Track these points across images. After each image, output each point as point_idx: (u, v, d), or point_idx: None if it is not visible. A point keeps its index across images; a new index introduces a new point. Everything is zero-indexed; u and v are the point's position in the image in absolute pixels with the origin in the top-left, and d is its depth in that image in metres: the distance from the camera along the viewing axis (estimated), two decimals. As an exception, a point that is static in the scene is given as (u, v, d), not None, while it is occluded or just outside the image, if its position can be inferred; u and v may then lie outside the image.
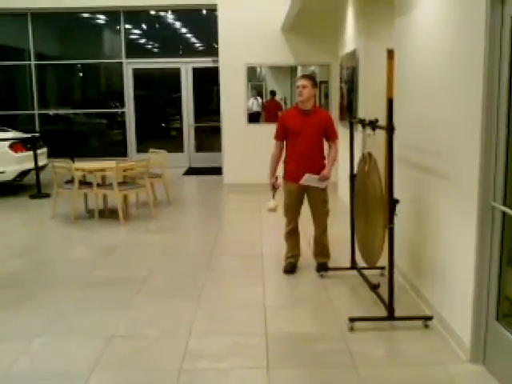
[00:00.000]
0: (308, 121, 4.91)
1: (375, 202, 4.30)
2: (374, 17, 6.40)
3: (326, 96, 9.70)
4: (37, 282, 5.10)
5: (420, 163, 4.36)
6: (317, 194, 5.04)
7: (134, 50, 12.56)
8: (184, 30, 13.11)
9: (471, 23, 3.30)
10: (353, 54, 7.31)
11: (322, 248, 5.21)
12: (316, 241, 5.22)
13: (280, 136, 5.05)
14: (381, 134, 4.33)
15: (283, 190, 5.14)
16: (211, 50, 11.76)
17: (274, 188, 5.08)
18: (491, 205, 3.20)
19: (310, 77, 5.24)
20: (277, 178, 5.08)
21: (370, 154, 4.44)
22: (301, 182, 4.92)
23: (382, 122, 4.24)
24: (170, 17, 12.76)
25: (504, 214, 3.13)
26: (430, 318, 3.96)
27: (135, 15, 12.44)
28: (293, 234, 5.21)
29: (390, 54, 6.10)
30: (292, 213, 5.12)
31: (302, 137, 4.89)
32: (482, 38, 3.14)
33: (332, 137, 5.03)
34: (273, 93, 9.98)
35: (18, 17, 12.22)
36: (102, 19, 12.90)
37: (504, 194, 3.12)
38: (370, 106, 6.51)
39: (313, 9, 8.36)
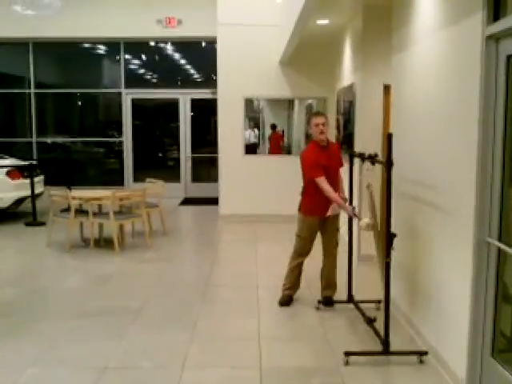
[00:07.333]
0: (330, 155, 4.98)
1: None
2: (371, 52, 6.50)
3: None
4: (30, 311, 5.05)
5: (416, 197, 4.39)
6: (333, 223, 5.08)
7: (134, 80, 12.68)
8: (183, 62, 13.27)
9: (467, 61, 3.37)
10: (350, 88, 7.40)
11: (330, 281, 5.19)
12: (325, 273, 5.20)
13: (323, 172, 4.84)
14: (377, 167, 4.36)
15: (302, 225, 5.06)
16: (210, 81, 11.89)
17: (354, 214, 4.80)
18: (487, 241, 3.21)
19: (324, 113, 5.37)
20: (353, 206, 4.89)
21: (368, 186, 4.48)
22: (329, 213, 4.93)
23: (379, 154, 4.28)
24: (169, 48, 12.92)
25: (499, 249, 3.14)
26: (425, 353, 3.94)
27: (135, 46, 12.59)
28: (299, 268, 5.18)
29: (387, 89, 6.20)
30: (308, 247, 5.08)
31: (330, 171, 4.89)
32: (477, 76, 3.20)
33: (342, 164, 5.16)
34: (274, 126, 10.09)
35: (19, 45, 12.36)
36: (102, 49, 13.06)
37: (499, 230, 3.14)
38: (366, 139, 6.56)
39: (311, 43, 8.49)
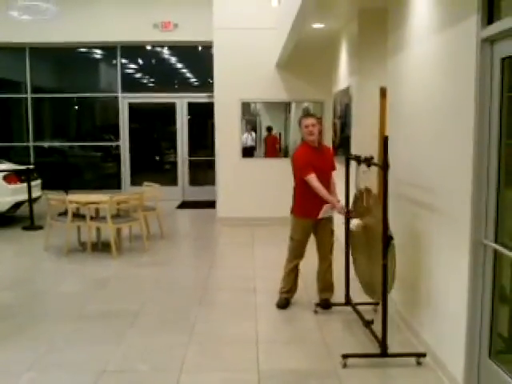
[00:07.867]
0: (322, 157, 5.02)
1: (378, 238, 4.28)
2: (367, 55, 6.51)
3: (319, 132, 9.78)
4: (27, 315, 5.05)
5: (412, 200, 4.40)
6: (326, 225, 5.08)
7: (130, 84, 12.69)
8: (180, 66, 13.28)
9: (462, 63, 3.39)
10: (346, 91, 7.41)
11: (327, 283, 5.19)
12: (321, 276, 5.20)
13: (312, 169, 4.86)
14: (373, 170, 4.38)
15: (295, 227, 5.09)
16: (206, 85, 11.89)
17: (348, 215, 4.86)
18: (483, 242, 3.23)
19: (315, 115, 5.41)
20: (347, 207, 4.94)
21: (368, 190, 4.49)
22: (320, 215, 4.94)
23: (375, 157, 4.29)
24: (165, 52, 12.94)
25: (495, 251, 3.15)
26: (423, 355, 3.94)
27: (131, 50, 12.61)
28: (295, 271, 5.19)
29: (383, 92, 6.22)
30: (302, 249, 5.10)
31: (321, 173, 4.89)
32: (472, 78, 3.22)
33: (334, 167, 5.17)
34: (269, 128, 10.10)
35: (16, 51, 12.37)
36: (98, 54, 13.06)
37: (495, 232, 3.16)
38: (362, 142, 6.58)
39: (307, 47, 8.51)
